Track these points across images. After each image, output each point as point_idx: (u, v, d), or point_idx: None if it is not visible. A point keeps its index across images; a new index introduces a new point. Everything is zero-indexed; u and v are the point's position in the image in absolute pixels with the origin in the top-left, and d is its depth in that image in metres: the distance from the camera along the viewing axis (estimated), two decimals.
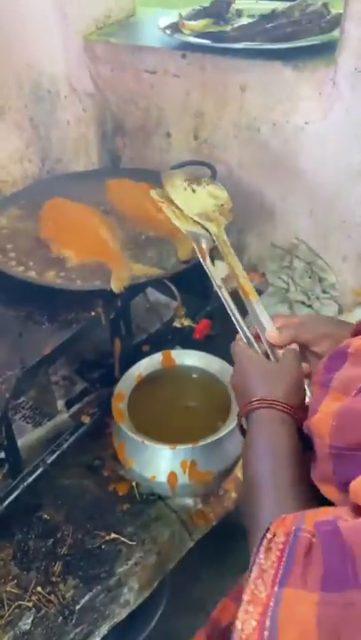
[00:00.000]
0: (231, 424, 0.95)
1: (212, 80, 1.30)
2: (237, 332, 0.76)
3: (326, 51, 1.18)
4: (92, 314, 0.97)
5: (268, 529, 0.45)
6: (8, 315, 0.97)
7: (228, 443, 0.95)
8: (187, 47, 1.30)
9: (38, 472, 0.96)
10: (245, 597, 0.42)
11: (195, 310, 1.25)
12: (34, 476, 0.96)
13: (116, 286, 0.95)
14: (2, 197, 1.30)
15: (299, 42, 1.20)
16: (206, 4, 1.46)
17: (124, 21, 1.53)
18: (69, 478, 1.07)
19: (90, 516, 1.02)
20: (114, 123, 1.51)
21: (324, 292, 1.37)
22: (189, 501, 1.02)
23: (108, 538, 0.98)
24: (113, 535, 0.98)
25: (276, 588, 0.41)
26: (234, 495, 1.05)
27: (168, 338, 1.26)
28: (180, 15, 1.43)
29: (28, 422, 1.18)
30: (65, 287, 0.96)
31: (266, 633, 0.39)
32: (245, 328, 0.76)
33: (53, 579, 0.94)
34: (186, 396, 1.07)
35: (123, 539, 0.98)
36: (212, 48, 1.25)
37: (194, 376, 1.09)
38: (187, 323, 1.19)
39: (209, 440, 0.92)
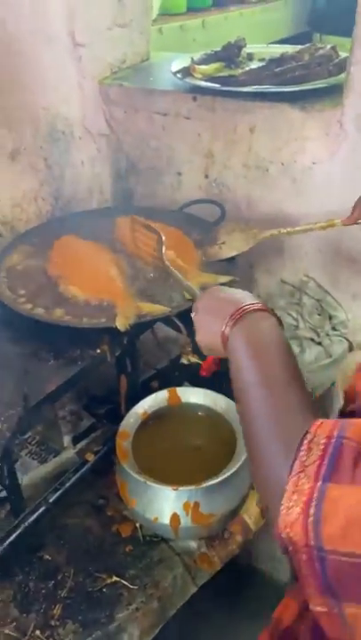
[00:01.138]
0: (236, 464, 0.93)
1: (222, 122, 1.33)
2: None
3: (333, 92, 1.21)
4: (98, 351, 0.97)
5: (307, 432, 0.47)
6: (14, 351, 0.97)
7: (233, 484, 0.94)
8: (197, 90, 1.33)
9: (40, 511, 0.95)
10: (289, 488, 0.45)
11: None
12: (35, 516, 0.95)
13: (121, 324, 0.95)
14: (15, 235, 1.32)
15: (306, 85, 1.23)
16: (217, 49, 1.51)
17: (138, 65, 1.58)
18: (72, 517, 1.06)
19: (92, 557, 1.00)
20: (127, 162, 1.54)
21: (333, 329, 1.36)
22: (193, 544, 1.00)
23: (109, 581, 0.96)
24: (115, 578, 0.96)
25: (319, 483, 0.44)
26: (239, 538, 1.03)
27: (176, 374, 1.26)
28: (192, 59, 1.48)
29: (33, 458, 1.18)
30: (71, 325, 0.96)
31: (310, 519, 0.42)
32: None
33: (53, 622, 0.92)
34: (191, 435, 1.06)
35: (124, 582, 0.96)
36: (221, 91, 1.28)
37: (200, 414, 1.08)
38: (194, 359, 1.19)
39: (213, 481, 0.91)
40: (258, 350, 0.60)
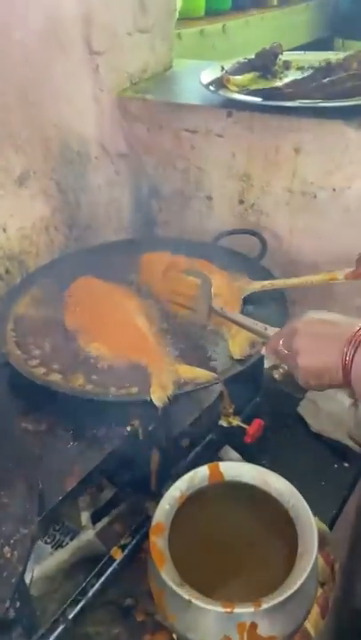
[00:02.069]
0: (303, 574, 0.75)
1: (261, 140, 1.15)
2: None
3: None
4: (128, 429, 0.79)
5: None
6: (24, 428, 0.79)
7: (299, 598, 0.75)
8: (233, 105, 1.15)
9: (58, 631, 0.77)
10: None
11: (239, 399, 1.07)
12: (53, 636, 0.76)
13: (158, 397, 0.77)
14: (24, 273, 1.15)
15: None
16: (251, 57, 1.33)
17: (160, 76, 1.41)
18: (95, 625, 0.87)
19: None
20: (149, 186, 1.37)
21: None
22: None
23: None
24: None
25: None
26: None
27: (211, 437, 1.08)
28: (223, 68, 1.30)
29: (47, 542, 1.00)
30: (96, 398, 0.78)
31: None
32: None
33: None
34: (240, 526, 0.87)
35: None
36: (262, 106, 1.11)
37: (249, 497, 0.89)
38: (235, 422, 1.01)
39: (276, 600, 0.72)
40: None
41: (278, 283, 1.03)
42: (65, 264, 1.11)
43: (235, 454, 1.10)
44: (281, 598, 0.72)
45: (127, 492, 1.04)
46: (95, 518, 1.01)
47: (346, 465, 1.10)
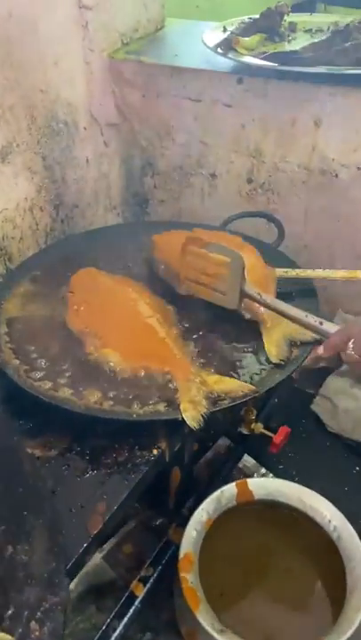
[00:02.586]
0: (357, 612, 0.66)
1: (276, 112, 1.03)
2: None
3: None
4: (154, 452, 0.68)
5: None
6: (32, 456, 0.67)
7: (353, 638, 0.67)
8: (243, 70, 1.02)
9: None
10: None
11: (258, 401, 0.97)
12: None
13: (191, 417, 0.66)
14: (9, 265, 1.00)
15: None
16: (255, 16, 1.19)
17: (152, 35, 1.26)
18: None
19: None
20: (143, 160, 1.22)
21: None
22: None
23: None
24: None
25: None
26: None
27: (230, 444, 0.98)
28: (225, 29, 1.16)
29: None
30: (119, 418, 0.66)
31: None
32: None
33: None
34: (274, 553, 0.78)
35: None
36: (279, 72, 0.98)
37: (283, 519, 0.80)
38: (259, 429, 0.91)
39: None
40: None
41: (300, 272, 0.92)
42: (58, 252, 0.97)
43: (251, 460, 1.01)
44: None
45: (134, 506, 0.94)
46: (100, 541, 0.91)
47: None
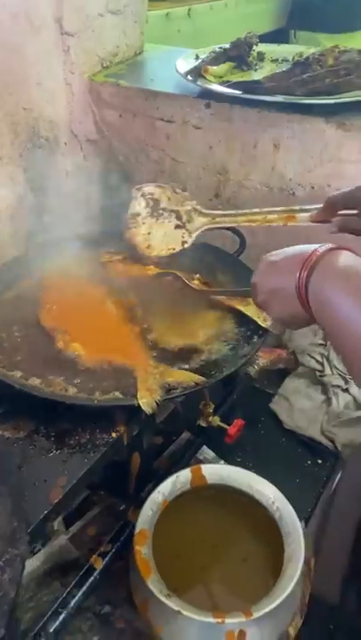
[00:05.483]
0: (291, 582, 0.74)
1: (240, 134, 1.13)
2: None
3: None
4: (113, 435, 0.76)
5: None
6: (1, 437, 0.75)
7: (287, 604, 0.75)
8: (211, 96, 1.12)
9: None
10: None
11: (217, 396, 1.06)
12: None
13: (146, 403, 0.74)
14: None
15: (347, 96, 1.04)
16: (225, 46, 1.30)
17: (130, 60, 1.36)
18: (73, 634, 0.84)
19: None
20: (120, 174, 1.32)
21: None
22: None
23: None
24: None
25: None
26: None
27: (189, 437, 1.06)
28: (197, 56, 1.27)
29: None
30: (79, 403, 0.75)
31: None
32: None
33: None
34: (222, 531, 0.86)
35: None
36: (242, 99, 1.08)
37: (232, 501, 0.88)
38: (216, 422, 0.99)
39: (267, 608, 0.72)
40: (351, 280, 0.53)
41: (230, 217, 1.00)
42: (35, 258, 1.05)
43: (211, 453, 1.09)
44: (272, 606, 0.72)
45: (100, 494, 1.01)
46: (67, 522, 0.98)
47: (319, 462, 1.11)
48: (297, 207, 0.93)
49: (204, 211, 1.04)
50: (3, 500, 0.62)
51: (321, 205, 0.86)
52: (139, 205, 1.05)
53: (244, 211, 0.98)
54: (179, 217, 1.04)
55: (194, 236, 1.03)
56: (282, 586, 0.74)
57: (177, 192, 1.05)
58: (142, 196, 1.04)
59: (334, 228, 0.83)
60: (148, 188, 1.05)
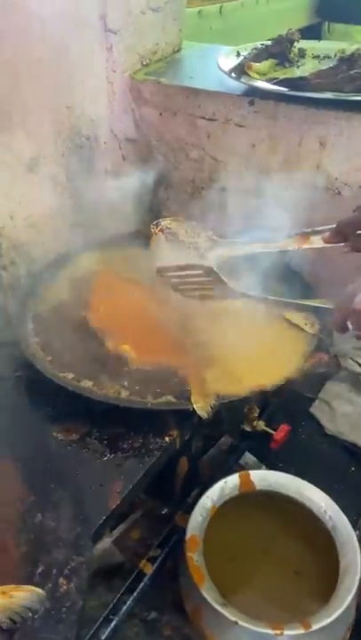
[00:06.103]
0: (349, 592, 0.72)
1: (285, 132, 1.10)
2: None
3: None
4: (167, 439, 0.74)
5: None
6: (55, 439, 0.74)
7: (343, 616, 0.73)
8: (255, 93, 1.10)
9: None
10: None
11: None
12: None
13: (201, 407, 0.73)
14: (32, 266, 1.08)
15: None
16: (267, 42, 1.28)
17: (169, 57, 1.34)
18: None
19: None
20: (157, 173, 1.30)
21: None
22: None
23: None
24: None
25: None
26: None
27: (232, 443, 1.04)
28: (239, 53, 1.24)
29: None
30: (134, 407, 0.73)
31: None
32: None
33: None
34: (273, 538, 0.85)
35: None
36: (287, 96, 1.06)
37: (282, 508, 0.86)
38: (261, 427, 0.98)
39: (325, 622, 0.70)
40: None
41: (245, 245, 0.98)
42: (77, 256, 1.05)
43: (252, 458, 1.07)
44: (331, 619, 0.70)
45: (140, 497, 1.00)
46: (112, 525, 0.97)
47: None
48: (309, 229, 0.93)
49: (219, 240, 1.01)
50: (64, 505, 0.61)
51: (332, 226, 0.88)
52: (160, 241, 1.00)
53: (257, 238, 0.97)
54: (196, 248, 1.01)
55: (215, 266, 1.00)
56: (339, 598, 0.72)
57: (192, 224, 1.02)
58: (161, 231, 1.00)
59: (347, 249, 0.85)
60: (165, 222, 1.01)
